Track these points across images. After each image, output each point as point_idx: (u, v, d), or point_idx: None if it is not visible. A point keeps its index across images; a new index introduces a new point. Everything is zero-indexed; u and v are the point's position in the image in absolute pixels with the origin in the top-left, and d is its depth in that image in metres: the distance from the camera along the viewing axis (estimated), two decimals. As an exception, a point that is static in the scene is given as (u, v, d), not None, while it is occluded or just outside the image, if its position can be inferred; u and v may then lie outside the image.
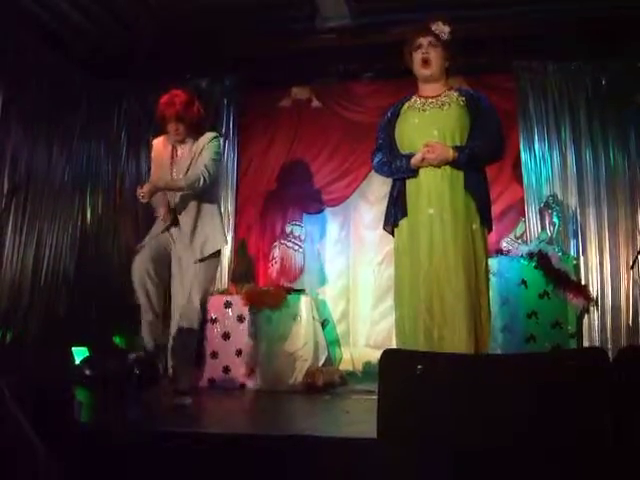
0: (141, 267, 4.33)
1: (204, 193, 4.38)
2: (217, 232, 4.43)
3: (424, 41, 3.67)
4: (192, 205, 4.36)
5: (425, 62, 3.67)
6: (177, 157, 4.45)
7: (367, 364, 5.87)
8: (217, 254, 4.49)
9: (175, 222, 4.38)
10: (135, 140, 6.47)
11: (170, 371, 4.37)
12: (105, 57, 5.99)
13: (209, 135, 4.46)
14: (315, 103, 6.65)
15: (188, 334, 4.28)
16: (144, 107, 6.28)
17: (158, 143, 4.58)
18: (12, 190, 5.20)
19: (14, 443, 1.38)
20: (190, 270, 4.31)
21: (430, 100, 3.69)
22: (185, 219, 4.35)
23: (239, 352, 5.48)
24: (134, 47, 5.85)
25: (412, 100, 3.76)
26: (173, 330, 4.33)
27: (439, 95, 3.69)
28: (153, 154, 4.62)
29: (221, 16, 5.49)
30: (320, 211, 6.51)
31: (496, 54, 5.88)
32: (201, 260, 4.31)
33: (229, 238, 6.30)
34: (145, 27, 5.66)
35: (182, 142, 4.43)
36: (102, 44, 5.85)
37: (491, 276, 4.37)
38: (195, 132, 4.43)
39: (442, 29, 3.65)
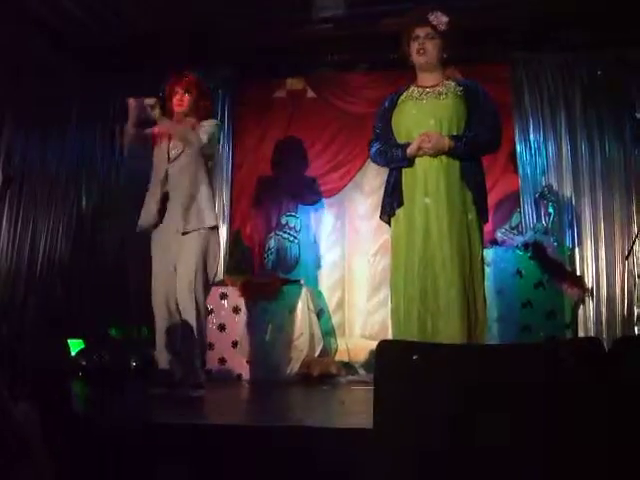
0: (160, 296, 4.38)
1: (201, 176, 4.43)
2: (209, 209, 4.45)
3: (421, 32, 3.66)
4: (186, 183, 4.38)
5: (421, 50, 3.67)
6: (175, 138, 4.48)
7: (363, 354, 5.88)
8: (209, 233, 4.49)
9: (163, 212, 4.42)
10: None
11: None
12: (100, 49, 5.96)
13: (212, 121, 4.57)
14: (310, 94, 6.64)
15: (190, 325, 4.28)
16: (139, 96, 6.25)
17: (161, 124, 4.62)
18: (6, 181, 5.18)
19: (9, 435, 1.38)
20: (184, 255, 4.33)
21: (428, 90, 3.68)
22: (179, 199, 4.36)
23: (235, 343, 5.49)
24: (129, 39, 5.82)
25: (410, 90, 3.76)
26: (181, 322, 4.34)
27: (437, 85, 3.69)
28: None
29: (216, 7, 5.47)
30: (315, 202, 6.50)
31: (491, 45, 5.88)
32: (187, 233, 4.33)
33: (224, 229, 6.31)
34: (140, 19, 5.64)
35: (183, 115, 4.46)
36: (97, 36, 5.82)
37: (486, 266, 4.37)
38: (196, 113, 4.49)
39: (440, 20, 3.63)
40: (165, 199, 4.39)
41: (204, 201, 4.42)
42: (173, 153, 4.45)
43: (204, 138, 4.38)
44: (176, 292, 4.35)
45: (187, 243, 4.33)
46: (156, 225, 4.41)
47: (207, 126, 4.45)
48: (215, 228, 4.53)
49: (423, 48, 3.65)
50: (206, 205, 4.41)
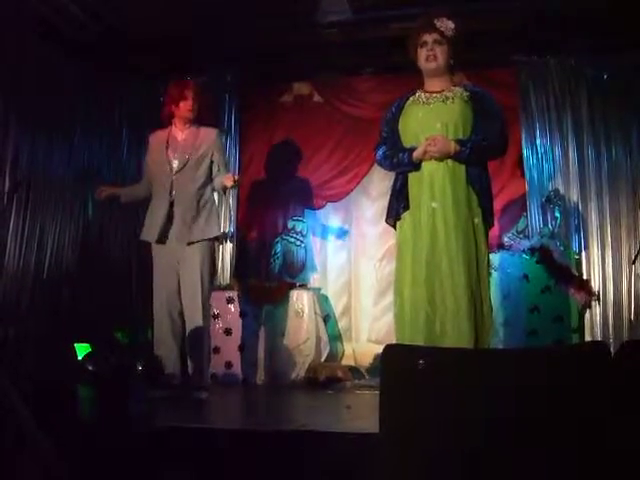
0: (163, 303, 4.43)
1: (206, 186, 4.49)
2: (214, 220, 4.49)
3: (429, 38, 3.67)
4: (192, 194, 4.42)
5: (430, 57, 3.67)
6: (175, 140, 4.51)
7: (369, 359, 5.87)
8: (212, 242, 4.55)
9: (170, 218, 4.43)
10: (136, 135, 6.45)
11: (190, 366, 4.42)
12: (104, 53, 5.97)
13: (216, 132, 4.65)
14: (316, 98, 6.64)
15: (197, 330, 4.32)
16: (145, 102, 6.28)
17: (153, 136, 4.67)
18: (14, 186, 5.19)
19: (19, 438, 1.38)
20: (189, 263, 4.35)
21: (434, 95, 3.69)
22: (185, 209, 4.40)
23: (241, 347, 5.49)
24: (134, 44, 5.84)
25: (417, 95, 3.77)
26: (187, 327, 4.37)
27: (443, 90, 3.70)
28: (149, 148, 4.70)
29: (222, 11, 5.48)
30: (322, 206, 6.50)
31: (497, 49, 5.87)
32: (193, 243, 4.38)
33: (231, 233, 6.33)
34: (145, 23, 5.64)
35: (186, 123, 4.52)
36: (101, 40, 5.84)
37: (493, 271, 4.38)
38: (198, 119, 4.56)
39: (447, 25, 3.64)
40: (171, 210, 4.42)
41: (209, 211, 4.45)
42: (176, 164, 4.46)
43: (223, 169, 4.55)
44: (178, 299, 4.38)
45: (190, 252, 4.36)
46: (162, 236, 4.41)
47: (223, 157, 4.63)
48: (218, 238, 4.60)
49: (433, 54, 3.66)
50: (211, 215, 4.45)
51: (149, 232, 4.48)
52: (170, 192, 4.42)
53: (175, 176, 4.43)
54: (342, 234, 6.43)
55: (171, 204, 4.41)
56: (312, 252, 6.45)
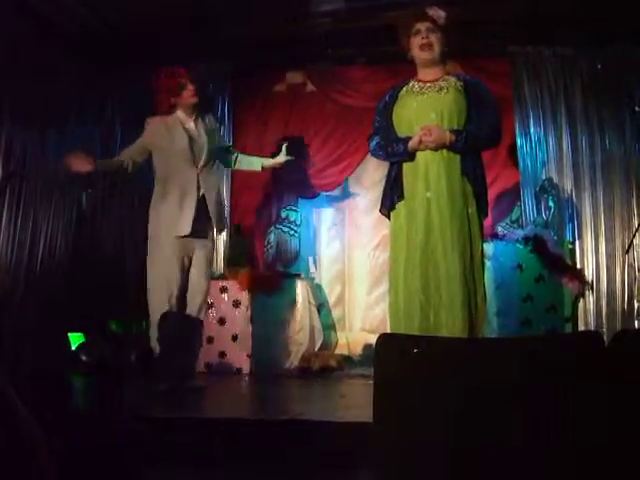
0: (165, 293, 4.36)
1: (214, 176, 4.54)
2: (224, 211, 4.60)
3: (422, 26, 3.66)
4: (216, 188, 4.50)
5: (425, 46, 3.66)
6: (191, 133, 4.45)
7: (363, 348, 5.89)
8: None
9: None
10: (130, 125, 6.43)
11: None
12: (99, 46, 5.94)
13: (212, 118, 4.72)
14: (309, 87, 6.63)
15: (195, 321, 4.35)
16: (139, 93, 6.24)
17: (158, 122, 4.52)
18: (7, 177, 5.17)
19: (13, 430, 1.38)
20: (202, 255, 4.38)
21: (428, 84, 3.68)
22: (214, 201, 4.43)
23: (235, 337, 5.49)
24: (128, 35, 5.81)
25: (410, 84, 3.76)
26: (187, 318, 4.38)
27: (437, 79, 3.69)
28: (150, 132, 4.55)
29: (216, 0, 5.46)
30: (315, 196, 6.50)
31: (491, 38, 5.86)
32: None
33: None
34: (138, 14, 5.61)
35: (193, 112, 4.49)
36: (97, 30, 5.81)
37: (486, 260, 4.38)
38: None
39: (439, 14, 3.64)
40: (200, 203, 4.36)
41: (222, 203, 4.56)
42: (199, 158, 4.39)
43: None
44: (180, 289, 4.34)
45: (202, 244, 4.37)
46: (193, 230, 4.36)
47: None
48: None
49: (428, 43, 3.65)
50: (223, 206, 4.55)
51: (181, 227, 4.36)
52: (198, 187, 4.36)
53: (201, 171, 4.39)
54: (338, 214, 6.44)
55: (200, 199, 4.35)
56: (306, 241, 6.45)
